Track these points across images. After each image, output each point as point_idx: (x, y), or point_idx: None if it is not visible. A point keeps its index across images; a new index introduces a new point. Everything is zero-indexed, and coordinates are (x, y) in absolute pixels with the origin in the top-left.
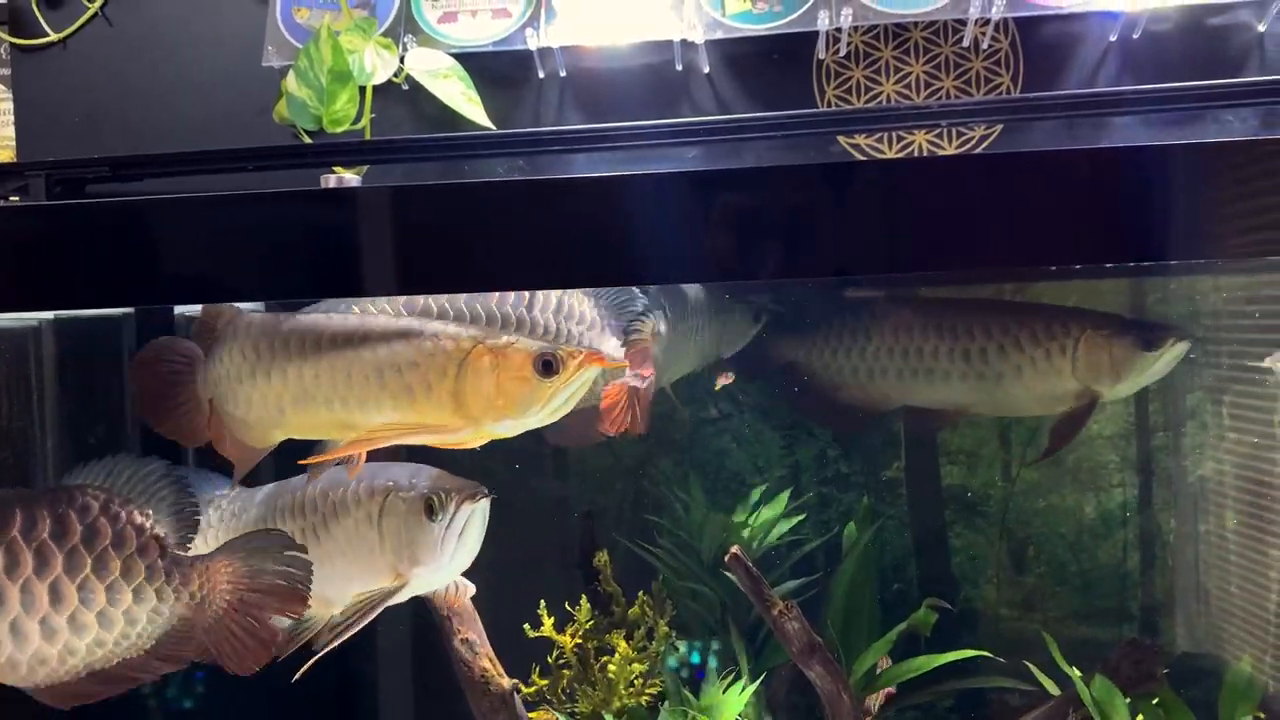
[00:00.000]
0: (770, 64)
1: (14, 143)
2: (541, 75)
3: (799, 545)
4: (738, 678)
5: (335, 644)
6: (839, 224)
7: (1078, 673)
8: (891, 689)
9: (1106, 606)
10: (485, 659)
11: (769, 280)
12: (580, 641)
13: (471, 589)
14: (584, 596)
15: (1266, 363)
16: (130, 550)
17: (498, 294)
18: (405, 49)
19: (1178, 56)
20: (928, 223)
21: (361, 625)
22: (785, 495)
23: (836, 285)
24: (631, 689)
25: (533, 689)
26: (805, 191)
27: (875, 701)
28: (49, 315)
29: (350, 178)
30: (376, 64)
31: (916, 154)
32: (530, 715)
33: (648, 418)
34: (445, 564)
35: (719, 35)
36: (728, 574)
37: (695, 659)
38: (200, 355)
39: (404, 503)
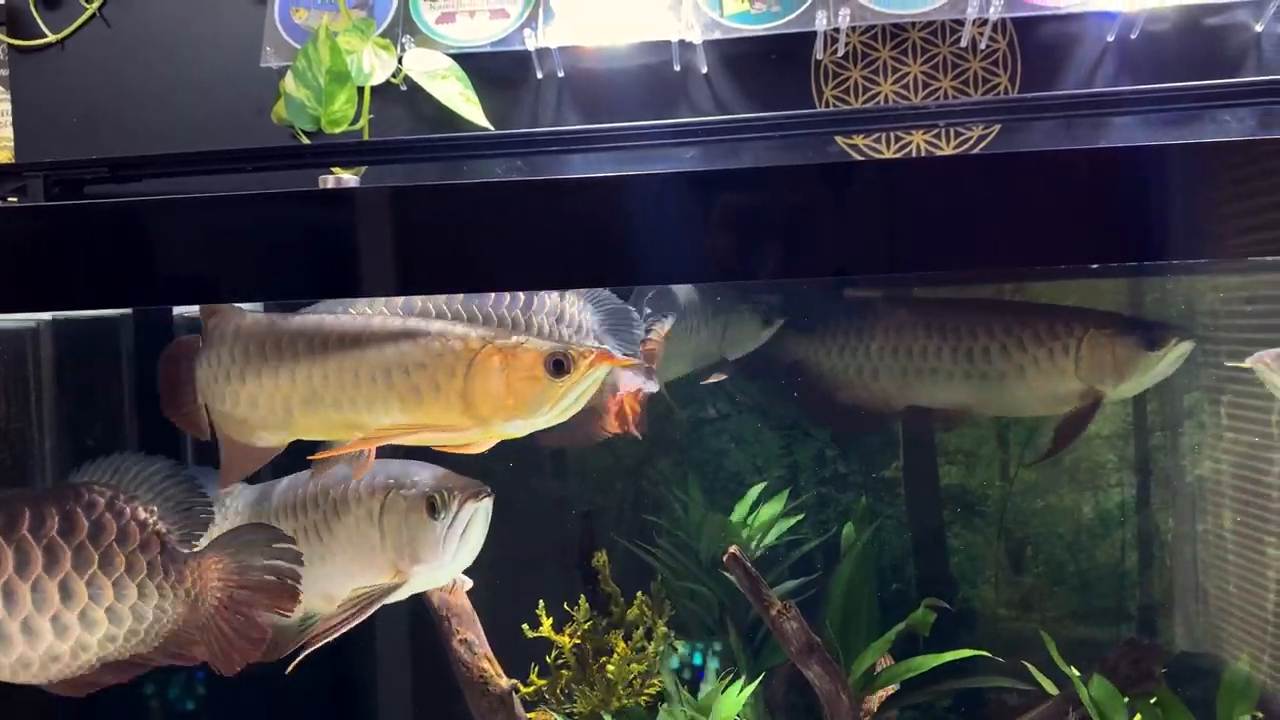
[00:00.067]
0: (768, 64)
1: (12, 143)
2: (539, 76)
3: (797, 545)
4: (736, 678)
5: (331, 638)
6: (837, 224)
7: (1076, 672)
8: (890, 689)
9: (1105, 606)
10: (484, 659)
11: (767, 280)
12: (579, 642)
13: (468, 583)
14: (582, 597)
15: (1247, 363)
16: (134, 546)
17: (493, 297)
18: (403, 49)
19: (1175, 57)
20: (926, 223)
21: (358, 621)
22: (784, 495)
23: (841, 285)
24: (630, 689)
25: (531, 689)
26: (803, 192)
27: (875, 701)
28: (47, 316)
29: (348, 178)
30: (375, 64)
31: (914, 154)
32: (528, 715)
33: (645, 419)
34: (447, 562)
35: (717, 36)
36: (726, 574)
37: (694, 659)
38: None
39: (405, 500)
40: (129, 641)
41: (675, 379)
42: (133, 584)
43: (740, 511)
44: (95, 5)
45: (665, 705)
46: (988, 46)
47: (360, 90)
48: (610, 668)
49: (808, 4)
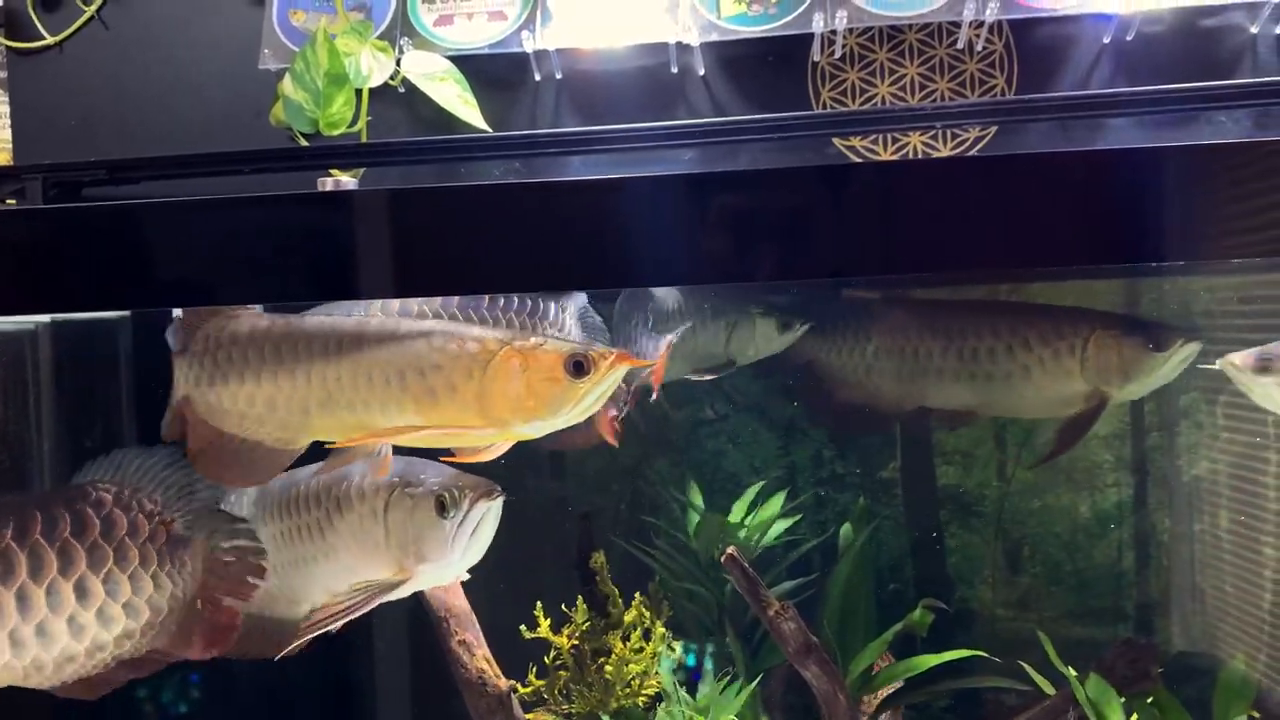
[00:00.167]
0: (765, 66)
1: (10, 145)
2: (537, 78)
3: (795, 546)
4: (734, 678)
5: (327, 628)
6: (834, 226)
7: (1073, 672)
8: (888, 689)
9: (1101, 606)
10: (482, 660)
11: (765, 283)
12: (577, 643)
13: (464, 575)
14: (580, 597)
15: (1218, 365)
16: (144, 537)
17: (503, 301)
18: (401, 52)
19: (1171, 58)
20: (923, 224)
21: (355, 615)
22: (781, 496)
23: (848, 285)
24: (628, 689)
25: (529, 690)
26: (801, 194)
27: (873, 702)
28: (46, 319)
29: (347, 180)
30: (373, 67)
31: (911, 156)
32: (527, 716)
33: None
34: (455, 561)
35: (714, 37)
36: (724, 575)
37: (692, 660)
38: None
39: (411, 499)
40: (145, 636)
41: (672, 380)
42: (147, 576)
43: (738, 512)
44: (94, 7)
45: (663, 705)
46: (984, 48)
47: (358, 92)
48: (608, 668)
49: (805, 6)
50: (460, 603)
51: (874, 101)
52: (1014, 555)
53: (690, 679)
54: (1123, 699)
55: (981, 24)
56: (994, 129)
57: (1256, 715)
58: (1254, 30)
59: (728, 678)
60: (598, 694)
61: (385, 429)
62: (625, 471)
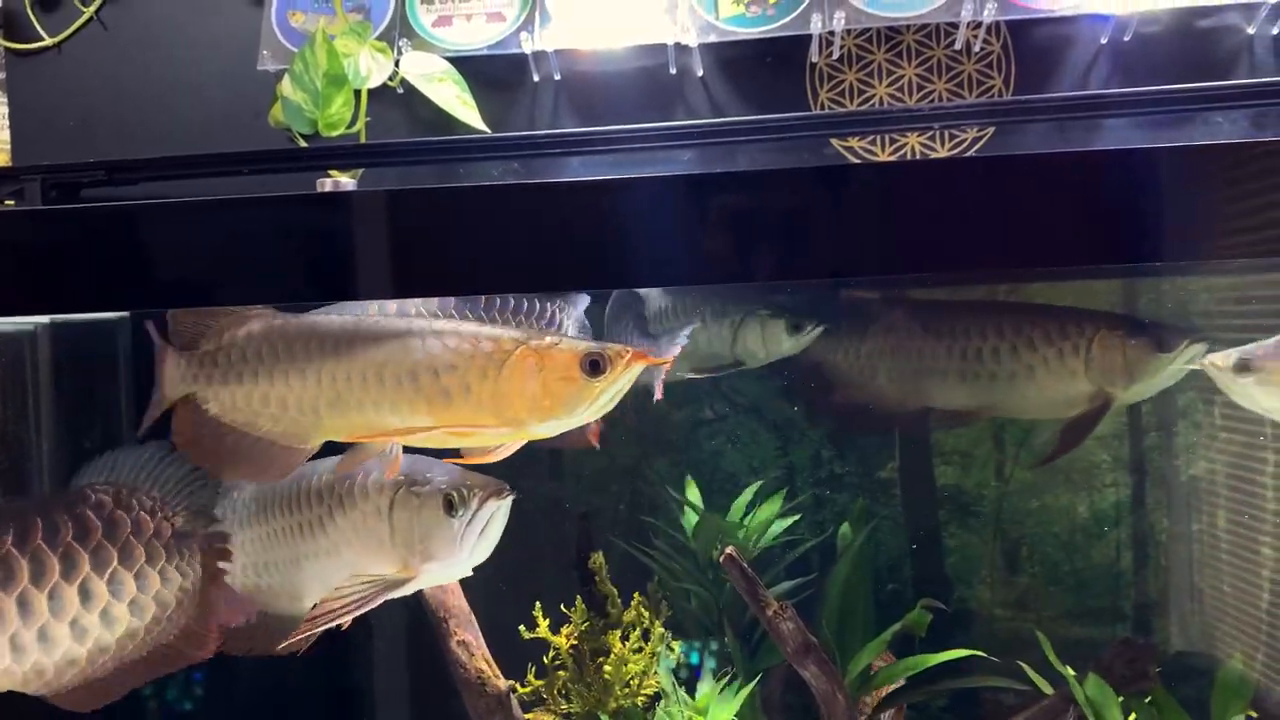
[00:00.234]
0: (763, 67)
1: (9, 146)
2: (536, 79)
3: (794, 546)
4: (733, 678)
5: (329, 625)
6: (832, 227)
7: (1071, 672)
8: (886, 689)
9: (1100, 606)
10: (481, 660)
11: (764, 282)
12: (576, 643)
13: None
14: (579, 597)
15: (1202, 364)
16: (149, 534)
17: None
18: (400, 53)
19: (1168, 59)
20: (921, 225)
21: (357, 612)
22: (780, 496)
23: (851, 286)
24: (627, 689)
25: (529, 690)
26: (799, 194)
27: (871, 702)
28: (45, 319)
29: (346, 181)
30: (371, 67)
31: (909, 157)
32: (526, 716)
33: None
34: (463, 560)
35: (712, 38)
36: (723, 575)
37: (691, 659)
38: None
39: (418, 498)
40: (150, 634)
41: (671, 380)
42: (154, 572)
43: (737, 512)
44: (92, 8)
45: (662, 705)
46: (982, 49)
47: (357, 93)
48: (607, 668)
49: (803, 7)
50: (459, 603)
51: (872, 102)
52: (1012, 555)
53: (694, 677)
54: (1121, 699)
55: (979, 25)
56: (992, 130)
57: (1254, 715)
58: (1251, 31)
59: (726, 678)
60: (596, 694)
61: (397, 429)
62: (624, 471)
